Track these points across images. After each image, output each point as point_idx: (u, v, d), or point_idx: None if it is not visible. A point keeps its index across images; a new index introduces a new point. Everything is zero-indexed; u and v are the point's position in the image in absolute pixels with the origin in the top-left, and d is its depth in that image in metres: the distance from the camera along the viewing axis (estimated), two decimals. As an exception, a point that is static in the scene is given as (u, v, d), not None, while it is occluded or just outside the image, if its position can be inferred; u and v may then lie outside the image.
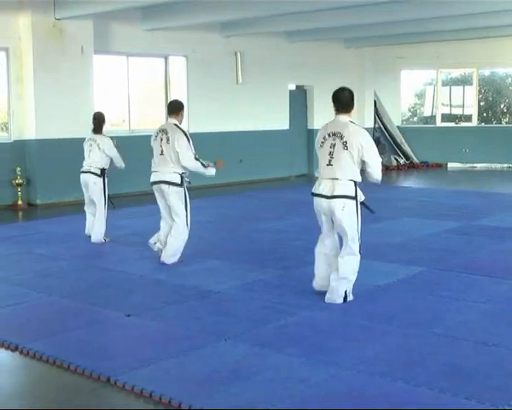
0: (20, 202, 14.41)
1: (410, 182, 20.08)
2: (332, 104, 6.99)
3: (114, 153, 10.37)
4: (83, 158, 10.55)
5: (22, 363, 5.75)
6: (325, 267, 7.17)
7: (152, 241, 9.14)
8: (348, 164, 6.80)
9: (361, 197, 6.90)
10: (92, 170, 10.30)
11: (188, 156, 8.69)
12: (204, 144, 17.63)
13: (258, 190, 17.14)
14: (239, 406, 4.69)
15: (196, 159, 8.74)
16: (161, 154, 8.79)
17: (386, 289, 7.64)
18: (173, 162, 8.74)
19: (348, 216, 6.86)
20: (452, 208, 13.54)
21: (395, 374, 5.16)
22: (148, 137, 9.27)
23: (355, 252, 6.98)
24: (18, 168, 14.36)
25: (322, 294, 7.14)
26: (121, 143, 15.65)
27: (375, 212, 7.46)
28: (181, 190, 8.77)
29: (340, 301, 6.97)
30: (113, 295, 7.61)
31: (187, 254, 9.10)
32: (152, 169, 8.96)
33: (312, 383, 5.05)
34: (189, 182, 8.90)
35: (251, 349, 5.78)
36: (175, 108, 8.98)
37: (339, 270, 6.95)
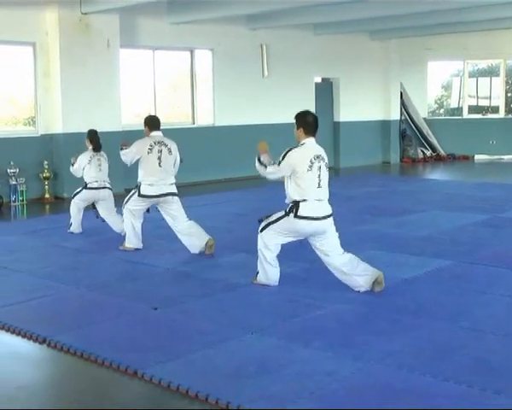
0: (47, 196, 14.52)
1: (436, 174, 19.96)
2: (302, 127, 7.34)
3: None
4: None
5: (50, 355, 5.79)
6: None
7: None
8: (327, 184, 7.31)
9: None
10: (107, 185, 10.66)
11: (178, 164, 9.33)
12: (229, 137, 17.72)
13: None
14: (266, 399, 4.69)
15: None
16: (159, 166, 9.02)
17: (413, 282, 7.61)
18: (171, 173, 9.13)
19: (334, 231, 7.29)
20: (479, 201, 13.44)
21: (423, 368, 5.14)
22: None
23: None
24: (45, 162, 14.47)
25: (350, 288, 7.14)
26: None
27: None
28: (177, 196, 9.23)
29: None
30: (140, 287, 7.64)
31: (215, 246, 9.12)
32: (148, 182, 9.06)
33: (340, 377, 5.04)
34: None
35: (278, 343, 5.78)
36: (159, 124, 9.40)
37: (359, 265, 7.19)
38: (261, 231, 7.47)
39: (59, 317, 6.70)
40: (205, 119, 17.80)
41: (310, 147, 7.25)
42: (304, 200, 7.10)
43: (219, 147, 17.42)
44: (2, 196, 13.79)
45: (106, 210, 10.61)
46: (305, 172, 7.12)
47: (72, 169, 10.79)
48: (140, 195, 9.09)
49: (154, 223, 10.38)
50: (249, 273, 7.98)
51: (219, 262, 8.68)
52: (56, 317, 6.70)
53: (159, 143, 9.07)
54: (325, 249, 7.22)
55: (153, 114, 9.59)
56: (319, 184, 7.15)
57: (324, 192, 7.20)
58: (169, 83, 18.12)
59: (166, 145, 9.08)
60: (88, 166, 10.53)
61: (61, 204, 14.19)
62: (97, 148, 10.64)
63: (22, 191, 14.12)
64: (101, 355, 5.50)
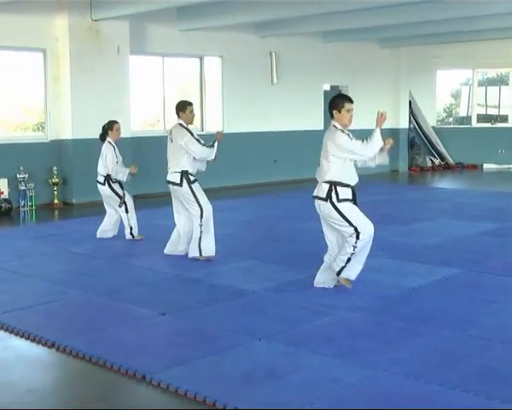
0: (56, 201, 14.57)
1: (445, 183, 19.95)
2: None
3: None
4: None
5: (59, 359, 5.81)
6: None
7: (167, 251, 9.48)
8: None
9: None
10: (98, 179, 10.67)
11: (196, 147, 8.94)
12: (238, 144, 17.75)
13: (293, 190, 17.13)
14: (274, 405, 4.70)
15: (203, 144, 9.00)
16: (168, 153, 9.14)
17: (421, 291, 7.60)
18: (175, 161, 9.00)
19: None
20: (488, 210, 13.43)
21: (430, 376, 5.14)
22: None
23: None
24: (54, 168, 14.53)
25: (358, 294, 7.16)
26: (156, 142, 15.85)
27: None
28: (183, 188, 8.95)
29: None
30: (149, 293, 7.66)
31: (223, 253, 9.15)
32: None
33: (347, 384, 5.05)
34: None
35: (285, 349, 5.79)
36: (176, 109, 9.31)
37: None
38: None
39: (68, 321, 6.73)
40: (214, 126, 17.83)
41: None
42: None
43: (228, 154, 17.39)
44: (12, 202, 13.84)
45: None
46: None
47: None
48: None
49: (163, 229, 10.42)
50: (257, 280, 8.00)
51: (227, 268, 8.69)
52: (65, 321, 6.73)
53: (169, 132, 9.25)
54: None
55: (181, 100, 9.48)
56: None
57: None
58: (178, 90, 18.15)
59: (171, 134, 9.15)
60: None
61: (69, 210, 14.25)
62: (101, 137, 10.68)
63: (31, 197, 14.17)
64: (109, 360, 5.52)
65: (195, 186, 8.98)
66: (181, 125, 9.10)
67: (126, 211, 10.51)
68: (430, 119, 23.24)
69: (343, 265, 7.29)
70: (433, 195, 16.41)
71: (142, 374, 5.24)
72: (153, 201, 12.73)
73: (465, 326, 6.34)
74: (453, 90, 25.03)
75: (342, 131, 7.23)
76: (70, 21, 14.36)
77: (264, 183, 18.26)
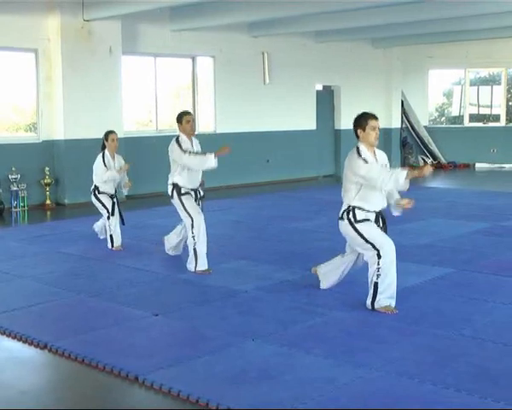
0: (48, 202, 14.53)
1: (437, 182, 19.96)
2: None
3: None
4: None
5: (51, 361, 5.80)
6: None
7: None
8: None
9: None
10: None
11: (184, 158, 8.62)
12: (231, 144, 17.66)
13: (286, 190, 17.15)
14: (267, 405, 4.70)
15: (191, 153, 8.67)
16: None
17: (415, 291, 7.61)
18: (170, 173, 8.82)
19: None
20: (480, 209, 13.46)
21: (423, 375, 5.14)
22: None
23: None
24: (46, 168, 14.50)
25: (351, 294, 7.16)
26: (148, 143, 15.82)
27: None
28: (174, 199, 8.77)
29: None
30: (141, 294, 7.65)
31: (215, 253, 9.13)
32: None
33: (340, 384, 5.04)
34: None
35: (279, 350, 5.78)
36: (176, 121, 8.97)
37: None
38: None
39: (60, 323, 6.71)
40: (206, 126, 17.84)
41: None
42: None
43: (220, 154, 17.42)
44: (4, 202, 13.81)
45: None
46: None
47: None
48: None
49: (157, 229, 10.41)
50: (249, 280, 8.00)
51: (220, 269, 8.68)
52: (57, 323, 6.71)
53: None
54: None
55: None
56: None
57: None
58: (170, 90, 18.15)
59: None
60: None
61: (62, 210, 14.22)
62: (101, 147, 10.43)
63: (23, 197, 14.13)
64: (102, 361, 5.51)
65: (186, 198, 8.70)
66: (177, 139, 8.86)
67: (108, 218, 10.17)
68: (422, 118, 23.27)
69: (371, 294, 6.85)
70: (426, 194, 16.39)
71: (134, 375, 5.23)
72: (145, 201, 12.71)
73: (458, 326, 6.34)
74: (445, 90, 25.07)
75: (359, 156, 6.75)
76: (62, 21, 14.32)
77: (257, 183, 18.27)
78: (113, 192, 10.27)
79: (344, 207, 6.97)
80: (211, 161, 8.62)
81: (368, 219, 6.88)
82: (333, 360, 5.50)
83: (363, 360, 5.48)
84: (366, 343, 5.92)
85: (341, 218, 6.96)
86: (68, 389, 5.31)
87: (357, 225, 6.85)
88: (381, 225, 6.97)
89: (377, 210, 6.93)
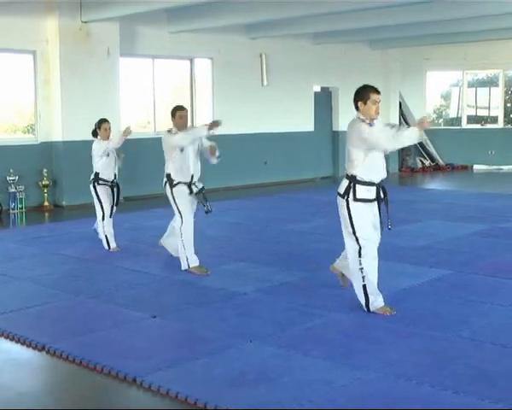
0: (46, 204, 14.53)
1: (435, 184, 19.99)
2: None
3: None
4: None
5: (49, 363, 5.79)
6: None
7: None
8: None
9: None
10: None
11: (176, 138, 8.61)
12: (229, 146, 17.72)
13: (284, 192, 17.15)
14: (265, 407, 4.70)
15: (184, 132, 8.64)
16: None
17: (412, 292, 7.61)
18: (166, 164, 8.76)
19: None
20: (478, 211, 13.46)
21: (421, 377, 5.15)
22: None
23: None
24: (44, 170, 14.49)
25: (349, 296, 7.16)
26: (147, 144, 15.80)
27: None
28: (165, 190, 8.72)
29: None
30: (139, 295, 7.64)
31: (214, 255, 9.13)
32: None
33: (338, 386, 5.05)
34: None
35: (277, 351, 5.78)
36: (172, 113, 8.91)
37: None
38: None
39: (58, 324, 6.71)
40: (204, 127, 17.82)
41: None
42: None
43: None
44: (2, 204, 13.81)
45: None
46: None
47: None
48: None
49: (156, 231, 10.41)
50: (247, 282, 8.00)
51: (218, 271, 8.67)
52: (55, 324, 6.71)
53: None
54: None
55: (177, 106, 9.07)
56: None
57: None
58: (168, 92, 18.15)
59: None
60: None
61: (60, 212, 14.22)
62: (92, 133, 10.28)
63: (21, 199, 14.13)
64: (99, 363, 5.51)
65: (178, 193, 8.61)
66: (168, 130, 8.85)
67: (103, 219, 10.14)
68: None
69: (363, 297, 6.80)
70: (423, 196, 16.43)
71: (132, 377, 5.23)
72: (142, 203, 12.69)
73: (456, 327, 6.35)
74: (443, 92, 25.09)
75: (365, 122, 6.72)
76: (60, 23, 14.32)
77: (255, 184, 18.28)
78: (113, 178, 10.12)
79: (344, 182, 6.85)
80: (203, 130, 8.65)
81: (367, 200, 6.75)
82: (331, 362, 5.50)
83: (361, 362, 5.48)
84: (364, 345, 5.92)
85: (341, 195, 6.81)
86: (66, 390, 5.31)
87: (353, 207, 6.71)
88: (382, 196, 6.86)
89: (378, 181, 6.80)
